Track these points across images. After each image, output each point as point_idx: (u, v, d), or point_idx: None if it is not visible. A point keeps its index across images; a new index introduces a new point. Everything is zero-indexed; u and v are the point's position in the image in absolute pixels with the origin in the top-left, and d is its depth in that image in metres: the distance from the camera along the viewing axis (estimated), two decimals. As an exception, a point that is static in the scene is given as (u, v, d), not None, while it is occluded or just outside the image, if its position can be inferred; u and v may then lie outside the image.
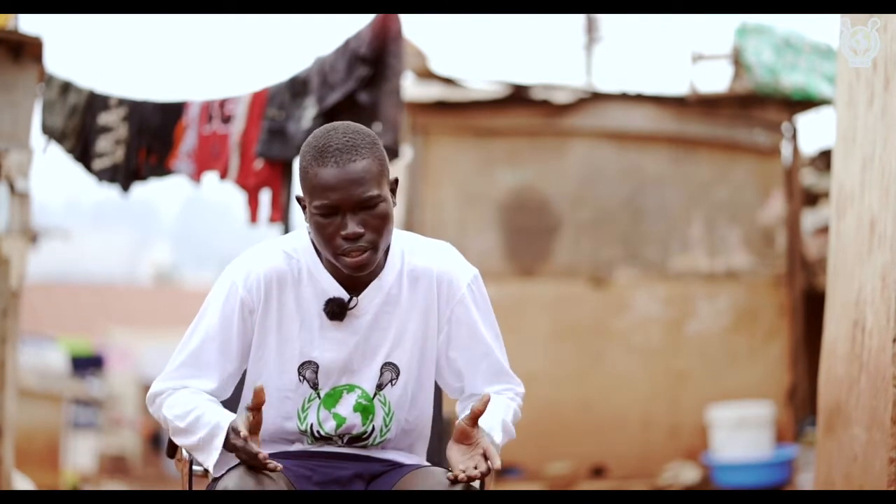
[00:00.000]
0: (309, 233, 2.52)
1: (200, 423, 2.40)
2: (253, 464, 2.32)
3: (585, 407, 8.13)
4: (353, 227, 2.37)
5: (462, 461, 2.36)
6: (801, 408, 8.19)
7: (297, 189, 5.15)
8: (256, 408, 2.33)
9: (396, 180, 2.48)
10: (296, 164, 5.12)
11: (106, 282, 37.81)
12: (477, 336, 2.54)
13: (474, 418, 2.37)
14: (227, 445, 2.37)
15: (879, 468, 3.19)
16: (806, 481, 7.10)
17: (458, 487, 2.34)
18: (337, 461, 2.51)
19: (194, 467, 2.54)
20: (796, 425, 8.14)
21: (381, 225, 2.40)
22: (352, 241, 2.38)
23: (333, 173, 2.37)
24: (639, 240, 8.32)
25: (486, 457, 2.36)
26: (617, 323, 8.25)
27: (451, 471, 2.36)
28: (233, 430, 2.35)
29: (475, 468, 2.33)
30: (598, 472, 8.08)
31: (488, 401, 2.36)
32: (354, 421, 2.51)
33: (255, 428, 2.34)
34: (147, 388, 2.53)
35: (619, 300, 8.25)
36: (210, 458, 2.40)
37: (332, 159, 2.38)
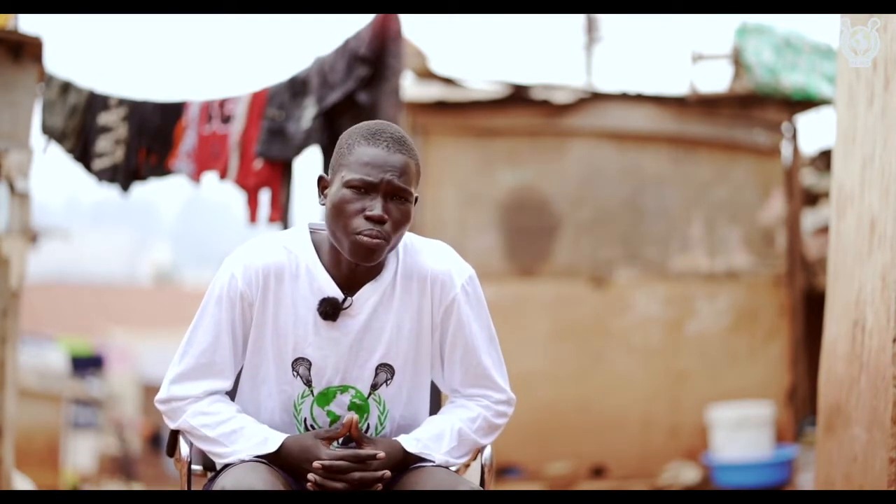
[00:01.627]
0: (311, 230, 2.52)
1: (239, 435, 2.44)
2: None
3: (585, 407, 8.12)
4: (379, 209, 2.38)
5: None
6: (801, 408, 8.19)
7: (297, 189, 5.17)
8: (342, 436, 2.43)
9: (417, 198, 2.49)
10: (296, 164, 5.14)
11: (106, 282, 37.82)
12: (464, 336, 2.54)
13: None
14: (278, 460, 2.43)
15: (879, 468, 3.19)
16: (806, 481, 7.10)
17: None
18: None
19: (193, 467, 2.55)
20: (796, 425, 8.14)
21: (401, 222, 2.42)
22: (373, 224, 2.38)
23: (384, 154, 2.40)
24: (639, 240, 8.31)
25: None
26: (617, 323, 8.25)
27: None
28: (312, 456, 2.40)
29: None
30: (598, 472, 8.08)
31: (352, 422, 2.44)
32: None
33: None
34: (147, 388, 2.55)
35: (619, 300, 8.25)
36: (227, 460, 2.44)
37: (385, 143, 2.42)
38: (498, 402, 2.57)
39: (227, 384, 2.51)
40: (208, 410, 2.47)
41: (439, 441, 2.49)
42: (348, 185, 2.39)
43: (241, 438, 2.43)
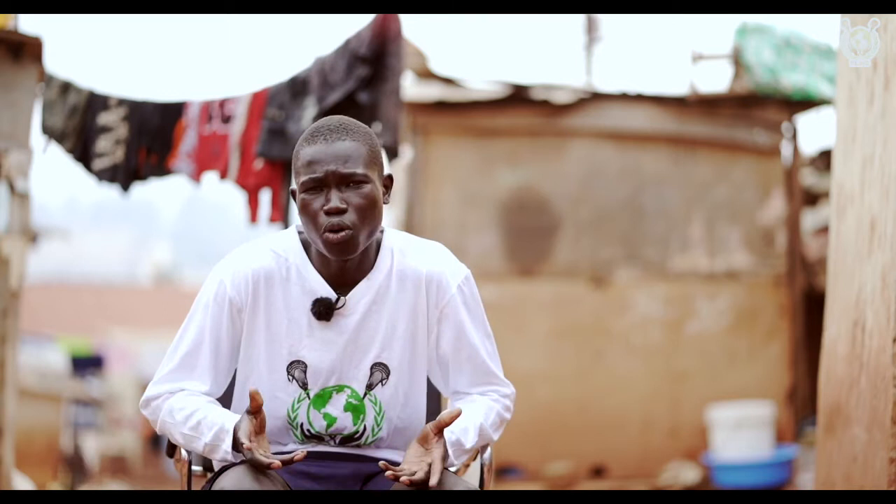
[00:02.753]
0: (299, 231, 2.53)
1: (203, 426, 2.41)
2: (261, 468, 2.31)
3: (585, 407, 8.12)
4: (335, 201, 2.38)
5: (412, 462, 2.36)
6: (801, 408, 8.19)
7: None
8: (256, 411, 2.34)
9: (391, 177, 2.48)
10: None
11: (106, 282, 37.77)
12: (464, 337, 2.54)
13: (439, 427, 2.38)
14: (235, 447, 2.37)
15: (879, 468, 3.19)
16: (806, 481, 7.10)
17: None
18: (332, 461, 2.51)
19: (193, 467, 2.55)
20: (796, 425, 8.14)
21: (365, 206, 2.39)
22: (334, 216, 2.37)
23: (321, 148, 2.41)
24: (639, 240, 8.32)
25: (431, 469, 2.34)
26: (617, 323, 8.25)
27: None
28: (236, 439, 2.34)
29: (415, 474, 2.32)
30: (598, 472, 8.08)
31: (458, 414, 2.37)
32: (345, 422, 2.51)
33: (260, 428, 2.35)
34: (146, 388, 2.54)
35: (619, 300, 8.25)
36: (218, 459, 2.42)
37: (322, 137, 2.42)
38: (504, 396, 2.58)
39: (206, 388, 2.48)
40: (175, 406, 2.44)
41: (465, 435, 2.47)
42: (303, 189, 2.41)
43: (205, 431, 2.40)
